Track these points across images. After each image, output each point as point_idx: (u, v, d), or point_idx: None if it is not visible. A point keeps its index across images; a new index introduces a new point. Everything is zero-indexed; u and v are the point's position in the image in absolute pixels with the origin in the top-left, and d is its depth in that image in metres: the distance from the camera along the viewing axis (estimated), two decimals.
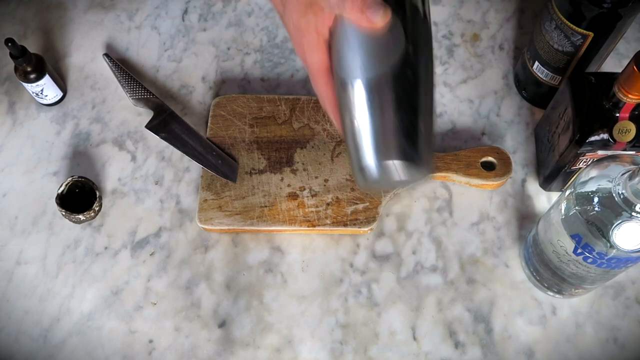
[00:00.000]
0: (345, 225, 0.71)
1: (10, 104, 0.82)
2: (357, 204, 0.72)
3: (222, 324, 0.70)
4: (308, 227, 0.72)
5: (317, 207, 0.72)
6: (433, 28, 0.87)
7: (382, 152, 0.46)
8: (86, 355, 0.68)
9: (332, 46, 0.48)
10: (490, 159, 0.75)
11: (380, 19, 0.44)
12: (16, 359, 0.68)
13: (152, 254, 0.73)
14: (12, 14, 0.88)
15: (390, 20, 0.44)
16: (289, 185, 0.74)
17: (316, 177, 0.74)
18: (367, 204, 0.72)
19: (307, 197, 0.73)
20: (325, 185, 0.73)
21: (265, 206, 0.72)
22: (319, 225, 0.71)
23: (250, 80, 0.83)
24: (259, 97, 0.79)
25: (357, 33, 0.45)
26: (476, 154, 0.75)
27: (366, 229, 0.72)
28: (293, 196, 0.73)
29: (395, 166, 0.45)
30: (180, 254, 0.73)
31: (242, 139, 0.77)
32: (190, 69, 0.84)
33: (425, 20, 0.47)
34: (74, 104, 0.82)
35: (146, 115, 0.79)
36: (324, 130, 0.77)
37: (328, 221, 0.72)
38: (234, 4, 0.89)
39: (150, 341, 0.69)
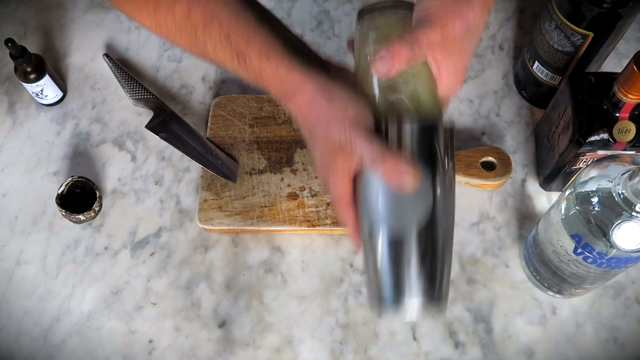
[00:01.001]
0: None
1: (10, 104, 0.82)
2: None
3: (222, 324, 0.70)
4: (308, 227, 0.72)
5: (317, 207, 0.72)
6: None
7: (402, 297, 0.47)
8: (86, 355, 0.68)
9: (358, 185, 0.49)
10: (490, 159, 0.75)
11: (409, 187, 0.45)
12: (16, 359, 0.68)
13: (152, 254, 0.73)
14: (12, 14, 0.88)
15: (421, 183, 0.46)
16: (289, 185, 0.74)
17: (316, 177, 0.74)
18: None
19: (307, 197, 0.73)
20: (325, 185, 0.73)
21: (265, 206, 0.72)
22: (319, 225, 0.71)
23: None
24: (259, 97, 0.79)
25: (386, 190, 0.47)
26: (476, 154, 0.75)
27: None
28: (293, 196, 0.73)
29: (414, 308, 0.47)
30: (180, 254, 0.73)
31: (242, 139, 0.77)
32: (190, 69, 0.84)
33: (451, 172, 0.49)
34: (74, 104, 0.82)
35: (146, 115, 0.79)
36: None
37: (328, 221, 0.72)
38: None
39: (150, 341, 0.69)
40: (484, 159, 0.75)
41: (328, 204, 0.72)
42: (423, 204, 0.47)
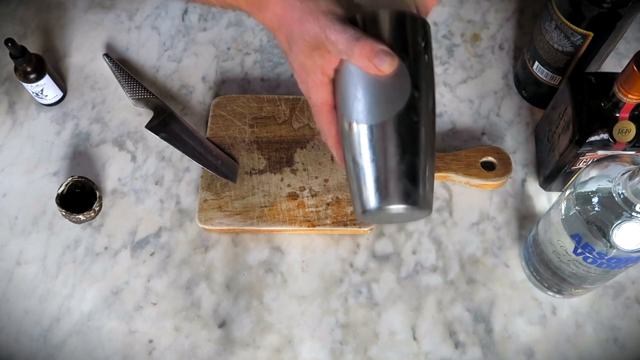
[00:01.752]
0: (345, 225, 0.71)
1: (10, 104, 0.82)
2: None
3: (222, 324, 0.70)
4: (308, 227, 0.72)
5: (317, 207, 0.72)
6: (433, 28, 0.87)
7: (384, 196, 0.46)
8: (86, 355, 0.68)
9: (336, 85, 0.49)
10: (490, 159, 0.75)
11: (387, 67, 0.45)
12: (16, 359, 0.68)
13: (152, 254, 0.73)
14: (12, 14, 0.88)
15: (397, 66, 0.45)
16: (289, 185, 0.74)
17: (316, 177, 0.74)
18: None
19: (307, 197, 0.73)
20: (325, 185, 0.73)
21: (265, 206, 0.72)
22: (319, 225, 0.71)
23: (250, 80, 0.83)
24: (259, 97, 0.79)
25: (363, 77, 0.46)
26: (476, 154, 0.75)
27: (366, 229, 0.72)
28: (293, 196, 0.73)
29: (398, 209, 0.46)
30: (180, 254, 0.73)
31: (242, 139, 0.77)
32: (190, 69, 0.84)
33: (429, 63, 0.49)
34: (74, 104, 0.82)
35: (146, 115, 0.79)
36: None
37: (328, 221, 0.72)
38: None
39: (150, 341, 0.69)
40: (484, 159, 0.75)
41: (328, 204, 0.72)
42: (400, 91, 0.46)
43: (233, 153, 0.76)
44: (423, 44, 0.48)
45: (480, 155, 0.75)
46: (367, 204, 0.47)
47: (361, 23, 0.48)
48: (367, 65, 0.45)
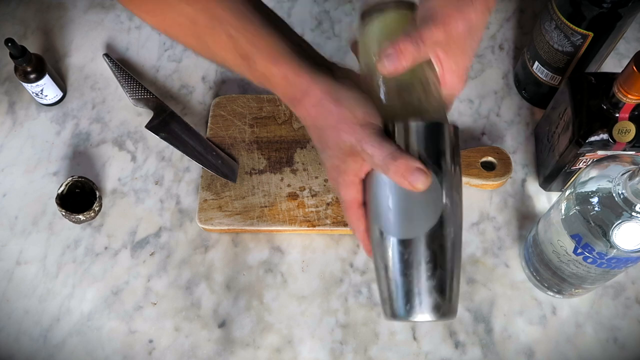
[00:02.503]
0: (345, 225, 0.71)
1: (10, 104, 0.82)
2: None
3: (222, 324, 0.70)
4: (308, 227, 0.72)
5: (317, 207, 0.72)
6: None
7: (414, 308, 0.47)
8: (86, 355, 0.68)
9: (367, 186, 0.49)
10: (490, 159, 0.75)
11: (421, 185, 0.45)
12: (16, 359, 0.68)
13: (152, 254, 0.73)
14: (12, 14, 0.88)
15: (431, 183, 0.46)
16: (289, 185, 0.74)
17: (316, 177, 0.74)
18: None
19: (307, 197, 0.73)
20: (325, 185, 0.73)
21: (265, 206, 0.72)
22: (319, 225, 0.71)
23: (250, 81, 0.83)
24: (259, 97, 0.79)
25: (396, 190, 0.47)
26: (476, 154, 0.75)
27: None
28: (293, 196, 0.73)
29: (426, 318, 0.47)
30: (180, 254, 0.73)
31: (242, 139, 0.77)
32: (190, 69, 0.84)
33: (458, 174, 0.49)
34: (74, 104, 0.82)
35: (146, 115, 0.79)
36: None
37: (328, 221, 0.72)
38: None
39: (150, 341, 0.69)
40: (484, 159, 0.75)
41: (328, 204, 0.72)
42: (434, 206, 0.46)
43: (233, 153, 0.76)
44: (456, 156, 0.48)
45: (480, 155, 0.75)
46: (396, 312, 0.48)
47: (396, 133, 0.47)
48: (402, 182, 0.46)
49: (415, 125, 0.47)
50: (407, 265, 0.47)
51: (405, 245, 0.47)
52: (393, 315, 0.48)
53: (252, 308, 0.70)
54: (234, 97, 0.79)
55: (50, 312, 0.70)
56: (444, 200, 0.47)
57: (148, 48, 0.86)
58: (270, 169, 0.75)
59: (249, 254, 0.73)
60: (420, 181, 0.45)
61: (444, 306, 0.47)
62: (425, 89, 0.49)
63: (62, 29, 0.87)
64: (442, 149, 0.47)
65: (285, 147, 0.76)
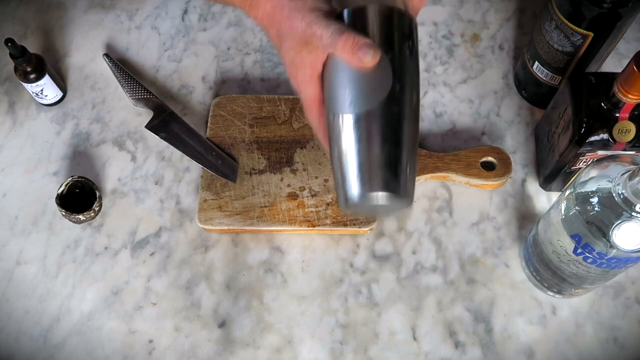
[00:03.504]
0: (345, 225, 0.71)
1: (10, 104, 0.82)
2: None
3: (222, 324, 0.70)
4: (308, 227, 0.72)
5: (317, 207, 0.72)
6: (433, 28, 0.87)
7: (366, 184, 0.48)
8: (86, 355, 0.68)
9: (324, 80, 0.51)
10: (490, 159, 0.75)
11: (370, 59, 0.46)
12: (16, 359, 0.68)
13: (152, 254, 0.73)
14: (12, 14, 0.88)
15: (380, 59, 0.47)
16: (288, 185, 0.74)
17: (316, 177, 0.74)
18: None
19: (307, 197, 0.73)
20: (325, 185, 0.73)
21: (265, 206, 0.72)
22: (319, 225, 0.71)
23: (250, 80, 0.83)
24: (259, 97, 0.79)
25: (348, 70, 0.48)
26: (476, 154, 0.75)
27: (366, 229, 0.72)
28: (293, 196, 0.73)
29: (378, 197, 0.47)
30: (180, 254, 0.73)
31: (242, 139, 0.77)
32: (190, 69, 0.84)
33: (412, 58, 0.50)
34: (74, 104, 0.82)
35: (146, 115, 0.79)
36: None
37: (328, 221, 0.72)
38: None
39: (150, 341, 0.69)
40: (484, 159, 0.75)
41: (328, 204, 0.72)
42: (382, 83, 0.47)
43: (233, 153, 0.76)
44: (408, 40, 0.49)
45: (480, 155, 0.75)
46: (348, 192, 0.48)
47: (348, 18, 0.49)
48: (351, 58, 0.47)
49: (366, 8, 0.48)
50: (356, 141, 0.47)
51: (355, 120, 0.47)
52: (346, 199, 0.48)
53: (252, 308, 0.70)
54: (234, 97, 0.79)
55: (50, 312, 0.70)
56: (394, 79, 0.47)
57: (148, 48, 0.86)
58: (270, 169, 0.75)
59: (249, 254, 0.73)
60: (368, 55, 0.46)
61: (394, 183, 0.47)
62: None
63: (62, 29, 0.87)
64: (393, 32, 0.48)
65: (285, 147, 0.76)
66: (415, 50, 0.50)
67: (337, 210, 0.72)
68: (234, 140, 0.77)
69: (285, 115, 0.78)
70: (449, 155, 0.75)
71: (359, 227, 0.71)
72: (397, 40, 0.49)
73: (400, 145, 0.47)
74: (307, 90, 0.51)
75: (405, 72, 0.49)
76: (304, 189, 0.73)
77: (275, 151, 0.76)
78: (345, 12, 0.50)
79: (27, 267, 0.73)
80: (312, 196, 0.73)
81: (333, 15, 0.50)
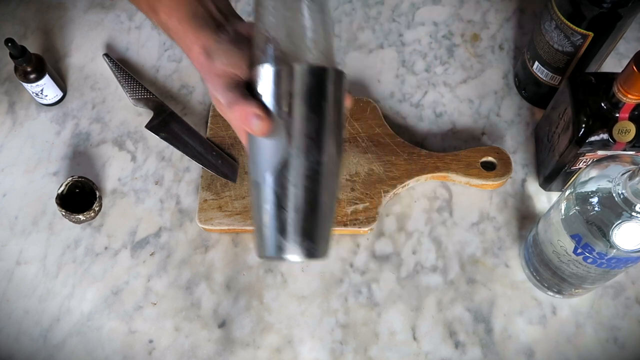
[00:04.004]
0: (345, 225, 0.71)
1: (10, 104, 0.82)
2: (357, 204, 0.72)
3: (222, 324, 0.70)
4: None
5: None
6: (433, 28, 0.87)
7: (263, 245, 0.49)
8: (86, 355, 0.68)
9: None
10: (490, 159, 0.75)
11: (257, 129, 0.47)
12: (16, 359, 0.68)
13: (152, 254, 0.73)
14: (12, 14, 0.88)
15: (275, 126, 0.47)
16: None
17: None
18: (367, 204, 0.72)
19: None
20: None
21: None
22: None
23: None
24: None
25: (249, 135, 0.49)
26: (476, 154, 0.75)
27: (366, 229, 0.72)
28: None
29: (272, 258, 0.49)
30: (180, 254, 0.73)
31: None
32: (190, 69, 0.84)
33: (324, 116, 0.47)
34: (74, 104, 0.82)
35: (146, 115, 0.79)
36: None
37: None
38: (234, 3, 0.89)
39: (150, 341, 0.69)
40: (484, 159, 0.75)
41: None
42: (276, 150, 0.47)
43: (233, 153, 0.76)
44: (319, 98, 0.47)
45: (480, 155, 0.75)
46: (256, 249, 0.50)
47: (253, 79, 0.49)
48: (246, 127, 0.48)
49: (265, 70, 0.47)
50: (257, 204, 0.48)
51: (256, 185, 0.48)
52: (256, 252, 0.50)
53: (252, 308, 0.70)
54: None
55: (50, 312, 0.70)
56: (290, 145, 0.46)
57: (148, 48, 0.86)
58: None
59: (249, 254, 0.73)
60: (255, 126, 0.47)
61: (288, 245, 0.47)
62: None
63: (62, 29, 0.87)
64: (293, 92, 0.46)
65: None
66: (337, 108, 0.48)
67: (338, 210, 0.72)
68: (234, 140, 0.77)
69: None
70: (449, 155, 0.75)
71: (359, 227, 0.71)
72: (299, 104, 0.47)
73: (300, 210, 0.47)
74: (243, 140, 0.52)
75: (306, 135, 0.47)
76: None
77: None
78: (252, 73, 0.49)
79: (27, 267, 0.73)
80: None
81: (239, 80, 0.50)
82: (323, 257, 0.49)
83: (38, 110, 0.82)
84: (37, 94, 0.79)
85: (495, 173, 0.74)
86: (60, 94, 0.81)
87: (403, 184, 0.73)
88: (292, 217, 0.47)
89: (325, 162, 0.47)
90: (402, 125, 0.80)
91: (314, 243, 0.48)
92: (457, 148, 0.78)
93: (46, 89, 0.79)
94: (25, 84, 0.78)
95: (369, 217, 0.72)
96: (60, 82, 0.81)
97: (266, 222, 0.48)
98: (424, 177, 0.74)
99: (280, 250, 0.47)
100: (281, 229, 0.47)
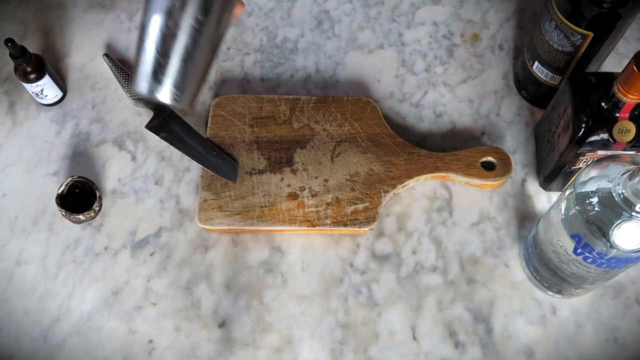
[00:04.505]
0: (345, 225, 0.71)
1: (10, 104, 0.82)
2: (357, 204, 0.72)
3: (222, 324, 0.70)
4: (308, 227, 0.72)
5: (317, 207, 0.72)
6: (433, 28, 0.87)
7: (134, 81, 0.54)
8: (86, 355, 0.68)
9: None
10: (490, 159, 0.75)
11: None
12: (16, 359, 0.68)
13: (152, 254, 0.73)
14: (12, 14, 0.88)
15: None
16: (289, 185, 0.74)
17: (316, 177, 0.74)
18: (367, 204, 0.72)
19: (307, 197, 0.73)
20: (325, 185, 0.73)
21: (265, 206, 0.72)
22: (319, 225, 0.71)
23: (250, 80, 0.83)
24: (258, 97, 0.79)
25: None
26: (476, 154, 0.75)
27: (366, 229, 0.72)
28: (293, 196, 0.73)
29: (142, 90, 0.53)
30: (180, 254, 0.73)
31: (242, 139, 0.77)
32: None
33: None
34: (74, 104, 0.82)
35: (146, 115, 0.79)
36: (324, 130, 0.77)
37: (328, 221, 0.72)
38: None
39: (150, 341, 0.69)
40: (484, 159, 0.75)
41: (328, 204, 0.72)
42: (162, 3, 0.51)
43: (233, 153, 0.76)
44: None
45: (480, 155, 0.75)
46: (131, 87, 0.55)
47: None
48: None
49: None
50: (139, 44, 0.52)
51: (142, 27, 0.52)
52: (131, 89, 0.54)
53: (252, 308, 0.70)
54: (234, 97, 0.79)
55: (50, 312, 0.70)
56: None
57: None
58: (270, 169, 0.75)
59: (249, 254, 0.73)
60: None
61: (156, 86, 0.53)
62: None
63: (62, 29, 0.87)
64: None
65: (285, 147, 0.76)
66: None
67: (338, 210, 0.72)
68: (234, 140, 0.77)
69: (285, 115, 0.78)
70: (449, 155, 0.75)
71: (359, 227, 0.71)
72: None
73: (174, 57, 0.52)
74: None
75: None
76: (304, 189, 0.73)
77: (276, 151, 0.76)
78: None
79: (27, 267, 0.73)
80: (312, 196, 0.73)
81: None
82: (186, 108, 0.55)
83: (38, 110, 0.82)
84: (37, 94, 0.79)
85: (495, 173, 0.74)
86: (60, 94, 0.81)
87: (403, 184, 0.73)
88: (165, 61, 0.52)
89: (205, 21, 0.52)
90: (401, 125, 0.80)
91: (179, 91, 0.53)
92: (457, 148, 0.78)
93: (46, 89, 0.79)
94: (25, 84, 0.78)
95: (368, 217, 0.72)
96: (60, 82, 0.81)
97: (142, 61, 0.52)
98: (424, 177, 0.74)
99: (149, 88, 0.53)
100: (154, 70, 0.52)
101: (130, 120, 0.81)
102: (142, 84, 0.53)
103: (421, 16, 0.88)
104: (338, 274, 0.72)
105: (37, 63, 0.77)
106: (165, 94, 0.53)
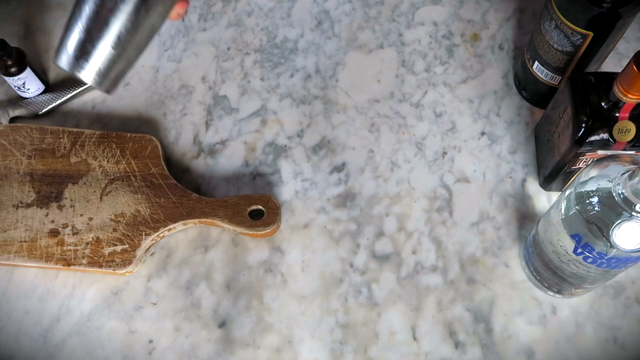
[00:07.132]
0: (100, 266, 0.69)
1: None
2: (116, 245, 0.70)
3: (222, 324, 0.70)
4: (63, 265, 0.69)
5: (76, 245, 0.70)
6: (433, 28, 0.87)
7: (58, 51, 0.54)
8: (86, 355, 0.68)
9: None
10: (259, 207, 0.72)
11: None
12: (16, 359, 0.68)
13: (152, 254, 0.73)
14: (12, 14, 0.88)
15: None
16: (52, 222, 0.71)
17: (81, 215, 0.71)
18: (127, 245, 0.70)
19: (69, 234, 0.70)
20: (88, 224, 0.71)
21: (25, 241, 0.70)
22: (74, 265, 0.69)
23: (250, 80, 0.83)
24: (42, 128, 0.76)
25: None
26: (245, 202, 0.72)
27: (122, 271, 0.70)
28: (54, 233, 0.70)
29: (62, 64, 0.53)
30: (180, 254, 0.73)
31: (17, 170, 0.73)
32: (190, 69, 0.84)
33: None
34: (73, 104, 0.82)
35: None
36: (100, 166, 0.74)
37: (84, 261, 0.69)
38: (234, 4, 0.89)
39: (150, 341, 0.69)
40: (252, 208, 0.72)
41: (87, 243, 0.70)
42: None
43: (5, 185, 0.73)
44: None
45: (249, 204, 0.72)
46: (55, 56, 0.55)
47: None
48: None
49: None
50: (70, 18, 0.53)
51: (77, 3, 0.53)
52: (55, 58, 0.54)
53: (252, 308, 0.70)
54: (19, 126, 0.76)
55: (50, 312, 0.70)
56: None
57: (148, 48, 0.85)
58: (37, 203, 0.72)
59: (249, 254, 0.73)
60: None
61: (80, 66, 0.53)
62: None
63: (62, 29, 0.87)
64: None
65: (58, 181, 0.73)
66: None
67: (96, 250, 0.70)
68: (9, 171, 0.73)
69: (65, 149, 0.75)
70: (218, 201, 0.72)
71: (114, 269, 0.69)
72: None
73: (101, 41, 0.52)
74: None
75: None
76: (67, 226, 0.71)
77: (47, 185, 0.73)
78: None
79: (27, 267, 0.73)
80: (74, 234, 0.70)
81: None
82: (106, 91, 0.55)
83: None
84: (18, 88, 0.79)
85: (262, 222, 0.71)
86: (42, 87, 0.80)
87: (167, 227, 0.71)
88: (94, 45, 0.52)
89: (140, 9, 0.53)
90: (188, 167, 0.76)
91: (102, 77, 0.54)
92: (457, 149, 0.78)
93: (28, 82, 0.78)
94: (6, 78, 0.77)
95: (124, 260, 0.69)
96: (42, 75, 0.81)
97: (69, 37, 0.53)
98: (191, 221, 0.72)
99: (73, 67, 0.53)
100: (81, 49, 0.53)
101: (130, 121, 0.80)
102: (64, 59, 0.53)
103: (421, 16, 0.88)
104: (338, 274, 0.72)
105: (18, 56, 0.77)
106: (88, 75, 0.53)
